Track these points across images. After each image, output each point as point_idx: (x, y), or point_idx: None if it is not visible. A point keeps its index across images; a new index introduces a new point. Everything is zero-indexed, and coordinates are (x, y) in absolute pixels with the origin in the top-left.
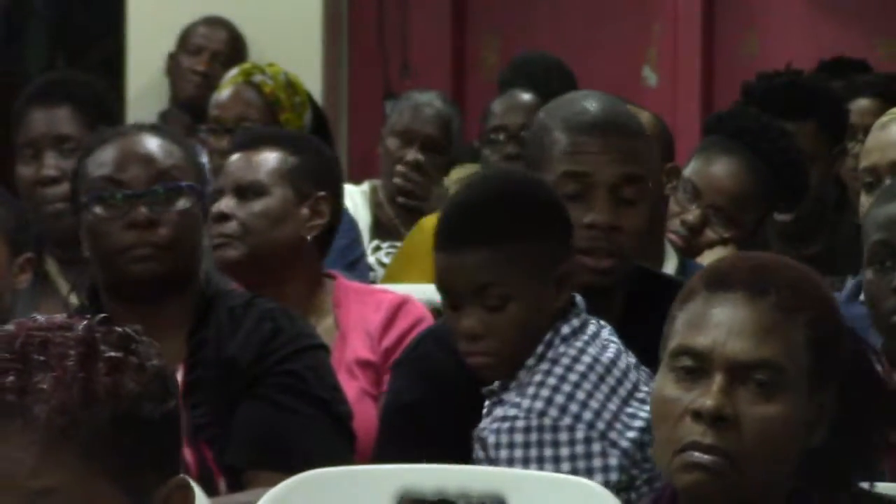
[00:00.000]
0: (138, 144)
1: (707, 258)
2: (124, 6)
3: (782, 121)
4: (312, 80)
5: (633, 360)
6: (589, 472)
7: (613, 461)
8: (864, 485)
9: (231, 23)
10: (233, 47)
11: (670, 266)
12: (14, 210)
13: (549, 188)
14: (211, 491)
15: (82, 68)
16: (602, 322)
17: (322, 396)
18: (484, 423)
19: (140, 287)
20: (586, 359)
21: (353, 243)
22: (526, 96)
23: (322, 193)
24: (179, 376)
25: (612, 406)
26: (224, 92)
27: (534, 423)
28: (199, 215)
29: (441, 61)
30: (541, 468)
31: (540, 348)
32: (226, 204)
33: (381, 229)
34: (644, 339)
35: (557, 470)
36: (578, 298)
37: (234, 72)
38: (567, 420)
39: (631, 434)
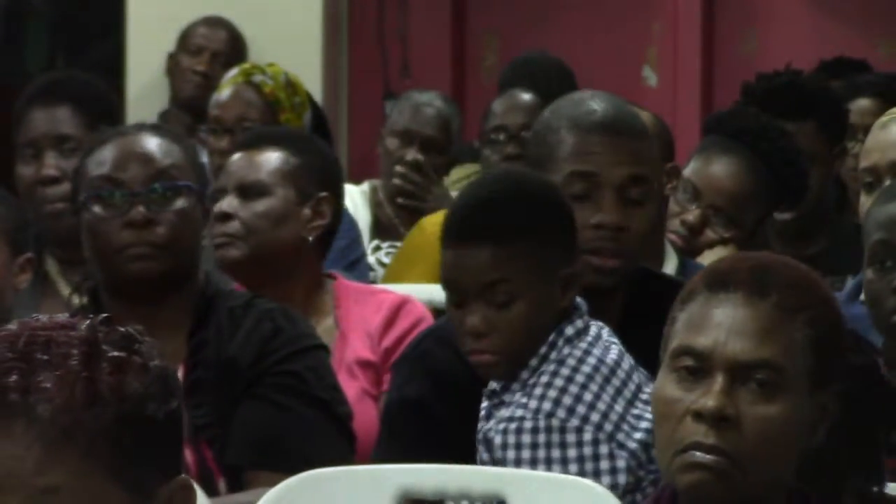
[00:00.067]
0: (137, 144)
1: (707, 258)
2: (124, 6)
3: (782, 121)
4: (312, 80)
5: (632, 361)
6: (596, 474)
7: (621, 463)
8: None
9: (231, 23)
10: (233, 47)
11: (670, 266)
12: (14, 210)
13: (558, 189)
14: (211, 491)
15: (82, 68)
16: (601, 323)
17: (322, 397)
18: (489, 424)
19: (138, 286)
20: (591, 360)
21: (353, 243)
22: (526, 96)
23: (324, 194)
24: (179, 376)
25: (619, 408)
26: (224, 92)
27: (542, 424)
28: (199, 215)
29: (441, 61)
30: (548, 469)
31: (543, 349)
32: (228, 203)
33: (381, 229)
34: (644, 340)
35: (565, 471)
36: (579, 300)
37: (234, 72)
38: (575, 421)
39: (638, 435)
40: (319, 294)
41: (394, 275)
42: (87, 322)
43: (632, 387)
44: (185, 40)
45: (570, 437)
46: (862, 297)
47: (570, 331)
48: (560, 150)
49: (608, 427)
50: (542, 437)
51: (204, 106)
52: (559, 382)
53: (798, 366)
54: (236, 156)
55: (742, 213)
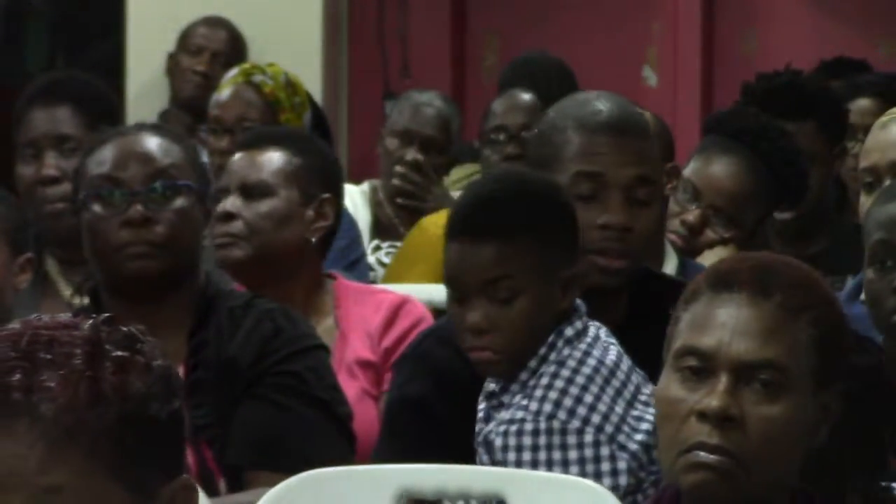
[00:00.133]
0: (137, 143)
1: (707, 258)
2: (124, 6)
3: (782, 121)
4: (312, 80)
5: (630, 361)
6: (597, 476)
7: (622, 465)
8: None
9: (231, 23)
10: (233, 47)
11: (670, 266)
12: (14, 210)
13: (563, 190)
14: (211, 491)
15: (82, 68)
16: (598, 323)
17: (322, 397)
18: (489, 426)
19: (138, 285)
20: (591, 361)
21: (353, 243)
22: (526, 96)
23: (326, 195)
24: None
25: (619, 409)
26: (224, 92)
27: (542, 425)
28: (199, 215)
29: (441, 61)
30: (549, 472)
31: (542, 350)
32: (231, 203)
33: (381, 229)
34: (646, 340)
35: (566, 473)
36: (578, 302)
37: (234, 72)
38: (576, 423)
39: (638, 437)
40: (319, 294)
41: (394, 275)
42: (90, 321)
43: (631, 388)
44: (185, 40)
45: (571, 439)
46: (862, 296)
47: (569, 332)
48: (566, 151)
49: (609, 429)
50: (542, 439)
51: (204, 106)
52: (559, 384)
53: (802, 366)
54: (238, 155)
55: (742, 213)
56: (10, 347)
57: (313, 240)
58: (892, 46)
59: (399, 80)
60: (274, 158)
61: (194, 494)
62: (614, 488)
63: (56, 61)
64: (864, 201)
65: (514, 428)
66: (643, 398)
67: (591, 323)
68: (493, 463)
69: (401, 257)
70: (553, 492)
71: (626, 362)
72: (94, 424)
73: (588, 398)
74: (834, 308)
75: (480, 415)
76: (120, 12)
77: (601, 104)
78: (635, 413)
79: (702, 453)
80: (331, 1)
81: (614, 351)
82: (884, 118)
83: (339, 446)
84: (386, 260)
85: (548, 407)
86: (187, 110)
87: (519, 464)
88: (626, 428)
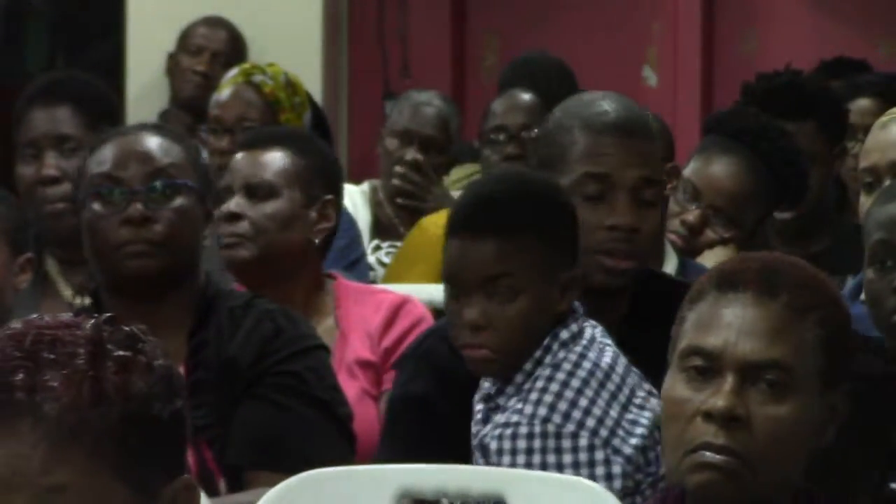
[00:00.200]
0: (137, 143)
1: (707, 258)
2: (124, 6)
3: (782, 121)
4: (312, 80)
5: (625, 359)
6: (592, 480)
7: (617, 469)
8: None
9: (231, 23)
10: (233, 47)
11: (670, 266)
12: (14, 210)
13: (565, 192)
14: (211, 491)
15: (82, 68)
16: (594, 322)
17: (322, 397)
18: (485, 429)
19: (137, 284)
20: (587, 364)
21: (353, 243)
22: (526, 96)
23: (329, 197)
24: None
25: (614, 413)
26: (224, 92)
27: (537, 429)
28: (199, 214)
29: (441, 61)
30: None
31: (538, 353)
32: (236, 203)
33: (381, 229)
34: (647, 340)
35: None
36: (576, 304)
37: (234, 72)
38: (570, 427)
39: (633, 441)
40: (319, 294)
41: (394, 275)
42: (92, 321)
43: (626, 391)
44: (185, 40)
45: (566, 443)
46: (862, 296)
47: (564, 335)
48: (572, 151)
49: (604, 433)
50: (537, 443)
51: (204, 106)
52: (555, 387)
53: (808, 366)
54: (240, 155)
55: (742, 213)
56: (13, 347)
57: (317, 241)
58: (892, 46)
59: (399, 80)
60: (278, 159)
61: (196, 494)
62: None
63: (56, 61)
64: (864, 201)
65: (508, 431)
66: (638, 401)
67: (586, 324)
68: (489, 466)
69: (401, 257)
70: (553, 492)
71: (621, 364)
72: (97, 424)
73: (583, 402)
74: (840, 308)
75: (478, 416)
76: (120, 12)
77: (608, 105)
78: (630, 416)
79: (708, 453)
80: (331, 1)
81: (610, 352)
82: (884, 118)
83: (340, 446)
84: (386, 260)
85: (542, 411)
86: (187, 110)
87: (513, 468)
88: (620, 432)
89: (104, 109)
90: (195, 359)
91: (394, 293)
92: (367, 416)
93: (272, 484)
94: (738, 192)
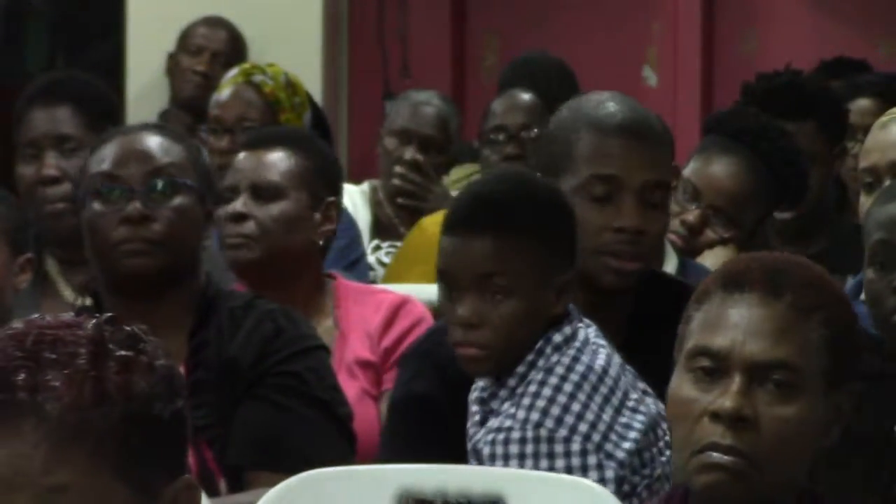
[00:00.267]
0: (137, 142)
1: (707, 258)
2: (124, 6)
3: (782, 121)
4: (312, 80)
5: (619, 359)
6: None
7: (610, 473)
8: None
9: (231, 23)
10: (233, 47)
11: (670, 266)
12: (14, 210)
13: (564, 196)
14: (212, 492)
15: (82, 68)
16: (588, 321)
17: (322, 398)
18: (479, 434)
19: (136, 283)
20: (580, 368)
21: (353, 243)
22: (526, 96)
23: (332, 199)
24: None
25: (606, 417)
26: (224, 92)
27: (529, 434)
28: (199, 214)
29: (441, 61)
30: None
31: (530, 356)
32: (242, 203)
33: (381, 229)
34: (649, 340)
35: None
36: (570, 306)
37: (234, 72)
38: (563, 432)
39: (626, 445)
40: (319, 294)
41: (394, 275)
42: (94, 321)
43: (619, 394)
44: (185, 40)
45: (558, 448)
46: (862, 296)
47: (557, 338)
48: (580, 152)
49: (596, 437)
50: (529, 448)
51: (204, 106)
52: (547, 392)
53: (814, 366)
54: (244, 155)
55: (742, 213)
56: (15, 347)
57: (320, 242)
58: (892, 46)
59: (399, 80)
60: (283, 160)
61: (197, 494)
62: None
63: (56, 61)
64: (864, 201)
65: (500, 436)
66: (631, 403)
67: (580, 324)
68: None
69: (401, 257)
70: (552, 492)
71: (614, 365)
72: (99, 424)
73: (576, 406)
74: (845, 308)
75: (476, 418)
76: (120, 12)
77: (615, 106)
78: (623, 420)
79: (715, 454)
80: (331, 1)
81: (603, 354)
82: (884, 118)
83: (340, 446)
84: (386, 260)
85: (535, 415)
86: (187, 110)
87: None
88: (613, 436)
89: (104, 109)
90: (195, 359)
91: (393, 293)
92: (367, 416)
93: (272, 484)
94: (738, 192)
